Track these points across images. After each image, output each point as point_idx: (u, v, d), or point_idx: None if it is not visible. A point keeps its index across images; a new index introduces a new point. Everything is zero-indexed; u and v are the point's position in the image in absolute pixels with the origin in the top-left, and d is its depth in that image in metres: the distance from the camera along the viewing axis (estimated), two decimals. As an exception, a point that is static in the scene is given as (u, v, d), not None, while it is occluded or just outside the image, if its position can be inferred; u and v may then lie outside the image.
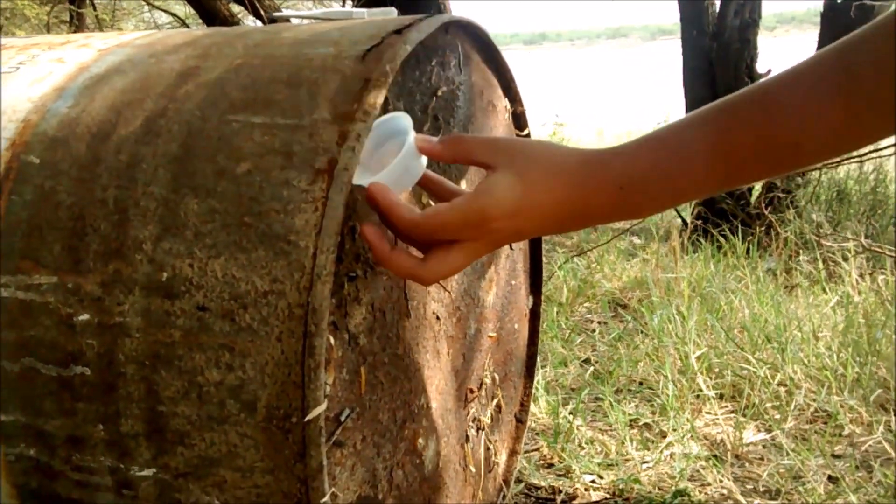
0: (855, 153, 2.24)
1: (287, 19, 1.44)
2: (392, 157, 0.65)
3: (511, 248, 1.08)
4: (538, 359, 1.85)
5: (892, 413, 1.55)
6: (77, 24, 6.06)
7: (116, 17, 7.21)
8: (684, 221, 3.63)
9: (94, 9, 6.75)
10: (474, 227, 0.62)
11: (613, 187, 0.62)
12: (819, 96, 0.58)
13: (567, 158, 0.64)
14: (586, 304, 2.50)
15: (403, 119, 0.66)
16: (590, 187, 0.63)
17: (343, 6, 4.12)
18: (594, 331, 2.19)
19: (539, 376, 1.73)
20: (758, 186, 3.35)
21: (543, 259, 2.94)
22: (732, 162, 0.61)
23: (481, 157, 0.64)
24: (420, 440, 0.82)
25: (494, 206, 0.61)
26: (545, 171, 0.63)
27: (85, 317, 0.67)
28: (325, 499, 0.62)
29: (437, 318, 0.86)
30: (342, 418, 0.67)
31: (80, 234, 0.68)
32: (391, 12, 0.92)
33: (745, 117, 0.61)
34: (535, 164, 0.63)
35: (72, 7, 6.20)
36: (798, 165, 0.62)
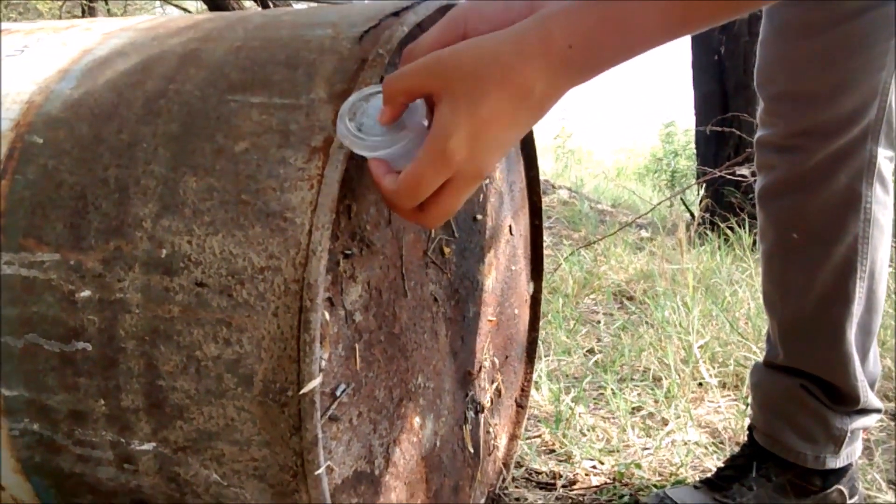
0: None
1: (288, 3, 1.45)
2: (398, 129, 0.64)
3: (511, 234, 1.09)
4: (541, 347, 1.86)
5: (894, 401, 1.55)
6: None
7: (128, 13, 7.25)
8: (692, 214, 3.63)
9: (106, 3, 6.78)
10: (446, 169, 0.60)
11: (561, 49, 0.58)
12: None
13: (499, 47, 0.59)
14: (592, 296, 2.51)
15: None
16: (535, 64, 0.58)
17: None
18: (599, 322, 2.19)
19: (542, 365, 1.74)
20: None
21: (550, 251, 2.93)
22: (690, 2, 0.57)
23: (421, 90, 0.61)
24: (417, 419, 0.83)
25: (451, 141, 0.59)
26: (481, 76, 0.58)
27: (86, 293, 0.68)
28: (320, 471, 0.63)
29: (435, 299, 0.87)
30: (338, 393, 0.68)
31: (82, 212, 0.70)
32: (391, -3, 0.93)
33: None
34: (471, 76, 0.59)
35: (84, 2, 6.24)
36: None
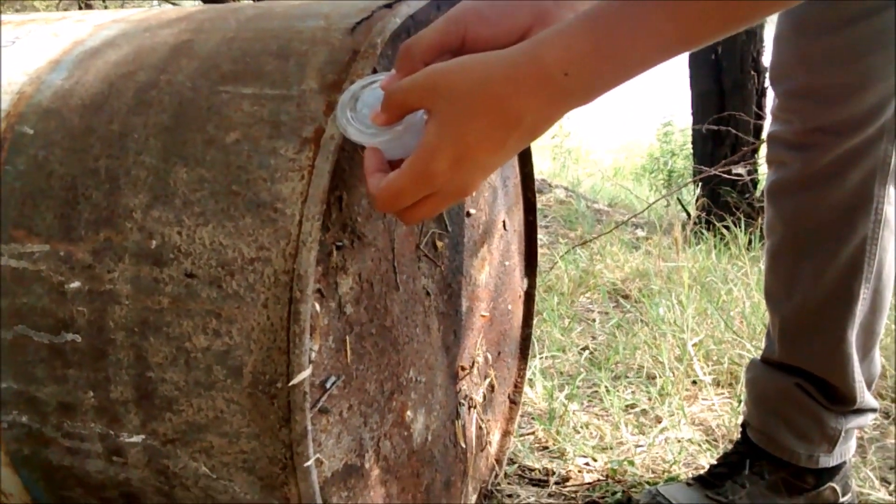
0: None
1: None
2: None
3: (505, 229, 1.09)
4: (536, 345, 1.85)
5: (889, 399, 1.55)
6: (85, 15, 6.08)
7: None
8: (688, 213, 3.63)
9: (103, 1, 6.76)
10: (427, 186, 0.60)
11: (556, 77, 0.56)
12: None
13: (491, 72, 0.57)
14: (587, 294, 2.50)
15: None
16: (526, 94, 0.56)
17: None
18: (594, 320, 2.19)
19: (536, 362, 1.74)
20: (762, 180, 3.35)
21: (546, 250, 2.91)
22: (684, 21, 0.54)
23: (415, 105, 0.60)
24: (408, 413, 0.83)
25: (434, 162, 0.58)
26: (469, 101, 0.57)
27: (76, 284, 0.68)
28: (310, 463, 0.63)
29: (428, 293, 0.86)
30: (328, 385, 0.67)
31: (72, 203, 0.69)
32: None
33: None
34: (460, 99, 0.57)
35: (80, 0, 6.22)
36: (756, 16, 0.55)
